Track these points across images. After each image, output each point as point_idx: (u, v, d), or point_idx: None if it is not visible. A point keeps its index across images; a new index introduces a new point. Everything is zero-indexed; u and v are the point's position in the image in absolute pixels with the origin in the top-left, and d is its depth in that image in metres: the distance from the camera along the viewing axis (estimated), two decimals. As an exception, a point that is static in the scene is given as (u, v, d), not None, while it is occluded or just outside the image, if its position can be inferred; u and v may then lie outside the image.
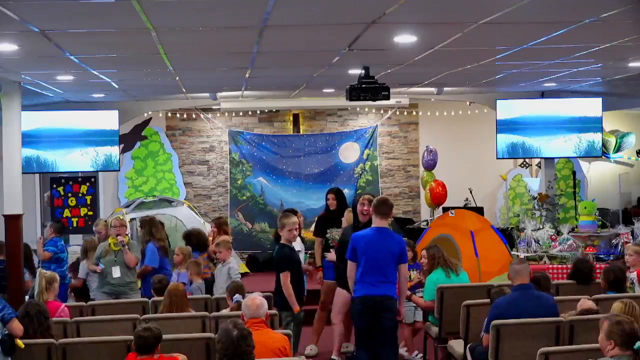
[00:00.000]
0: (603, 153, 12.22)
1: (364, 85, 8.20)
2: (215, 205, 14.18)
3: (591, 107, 11.50)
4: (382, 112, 14.30)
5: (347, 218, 8.36)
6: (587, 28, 6.18)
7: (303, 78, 9.81)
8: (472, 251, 9.21)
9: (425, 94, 12.53)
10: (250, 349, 4.57)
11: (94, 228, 9.76)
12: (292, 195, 13.95)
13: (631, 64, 8.73)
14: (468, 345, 6.71)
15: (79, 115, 11.18)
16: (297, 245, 8.58)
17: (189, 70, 8.62)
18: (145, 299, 7.84)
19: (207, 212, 13.78)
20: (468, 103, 13.96)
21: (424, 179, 13.23)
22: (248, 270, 12.66)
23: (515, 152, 11.82)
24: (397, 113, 14.34)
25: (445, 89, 11.82)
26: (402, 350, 8.33)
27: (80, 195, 11.70)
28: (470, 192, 13.01)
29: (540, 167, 13.44)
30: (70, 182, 11.70)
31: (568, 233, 9.88)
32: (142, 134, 13.91)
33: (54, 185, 11.64)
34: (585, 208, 10.84)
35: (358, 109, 14.15)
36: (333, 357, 8.13)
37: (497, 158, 11.87)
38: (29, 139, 10.43)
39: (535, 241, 9.78)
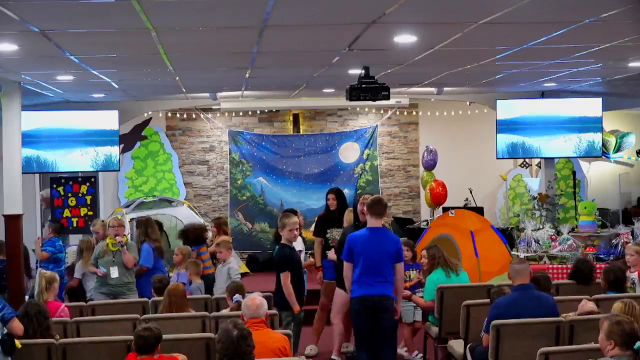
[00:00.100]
0: (603, 153, 12.22)
1: (364, 85, 8.20)
2: (215, 205, 14.18)
3: (591, 107, 11.50)
4: (382, 112, 14.30)
5: (347, 218, 8.36)
6: (587, 28, 6.18)
7: (303, 78, 9.81)
8: (472, 251, 9.21)
9: (425, 94, 12.53)
10: (250, 349, 4.57)
11: (91, 228, 9.75)
12: (292, 195, 13.95)
13: (631, 64, 8.73)
14: (468, 345, 6.71)
15: (79, 115, 11.18)
16: (298, 245, 8.59)
17: (189, 70, 8.62)
18: (145, 299, 7.84)
19: (207, 212, 13.78)
20: (468, 103, 13.97)
21: (424, 179, 13.23)
22: (248, 270, 12.66)
23: (515, 152, 11.82)
24: (397, 113, 14.34)
25: (445, 89, 11.82)
26: (402, 351, 8.34)
27: (80, 195, 11.69)
28: (470, 192, 13.01)
29: (540, 167, 13.44)
30: (70, 182, 11.69)
31: (568, 233, 9.88)
32: (142, 134, 13.91)
33: (54, 185, 11.63)
34: (585, 208, 10.83)
35: (358, 109, 14.15)
36: (333, 357, 8.12)
37: (497, 158, 11.87)
38: (29, 139, 10.43)
39: (535, 241, 9.78)
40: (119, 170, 12.39)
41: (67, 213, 11.58)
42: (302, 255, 8.96)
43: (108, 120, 11.17)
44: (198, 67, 8.40)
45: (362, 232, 6.87)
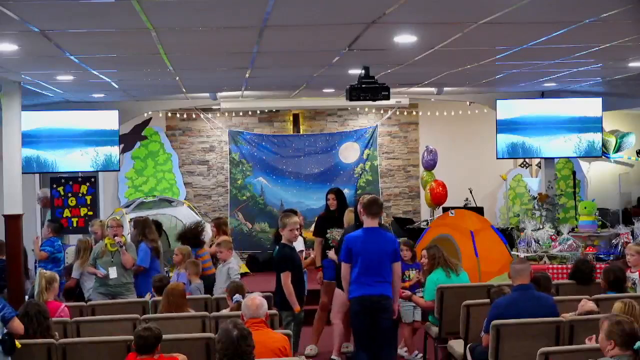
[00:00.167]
0: (603, 153, 12.23)
1: (364, 85, 8.21)
2: (215, 205, 14.18)
3: (591, 107, 11.50)
4: (382, 112, 14.30)
5: (347, 218, 8.36)
6: (587, 28, 6.18)
7: (303, 78, 9.81)
8: (472, 251, 9.21)
9: (425, 94, 12.54)
10: (250, 349, 4.57)
11: (89, 228, 9.74)
12: (292, 195, 13.95)
13: (631, 64, 8.73)
14: (468, 345, 6.71)
15: (79, 115, 11.19)
16: (299, 244, 8.59)
17: (189, 70, 8.62)
18: (145, 299, 7.84)
19: (207, 212, 13.78)
20: (468, 103, 13.97)
21: (424, 179, 13.23)
22: (248, 270, 12.66)
23: (515, 152, 11.83)
24: (397, 113, 14.34)
25: (445, 89, 11.83)
26: (402, 351, 8.34)
27: (80, 195, 11.69)
28: (470, 192, 13.01)
29: (540, 167, 13.44)
30: (70, 182, 11.69)
31: (568, 233, 9.87)
32: (142, 134, 13.91)
33: (54, 185, 11.63)
34: (585, 208, 10.84)
35: (358, 109, 14.15)
36: (333, 357, 8.12)
37: (497, 158, 11.87)
38: (29, 139, 10.44)
39: (535, 241, 9.78)
40: (119, 170, 12.40)
41: (67, 213, 11.58)
42: (304, 254, 8.98)
43: (108, 120, 11.18)
44: (198, 67, 8.40)
45: (359, 232, 6.86)
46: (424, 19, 5.89)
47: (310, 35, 6.40)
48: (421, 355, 8.22)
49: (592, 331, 4.98)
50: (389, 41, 6.69)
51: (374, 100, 8.30)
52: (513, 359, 5.94)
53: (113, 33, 6.04)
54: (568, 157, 12.78)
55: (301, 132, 14.15)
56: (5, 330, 5.67)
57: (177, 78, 9.20)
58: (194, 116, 14.01)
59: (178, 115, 13.99)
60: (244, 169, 13.98)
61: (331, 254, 8.26)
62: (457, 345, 7.07)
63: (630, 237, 9.66)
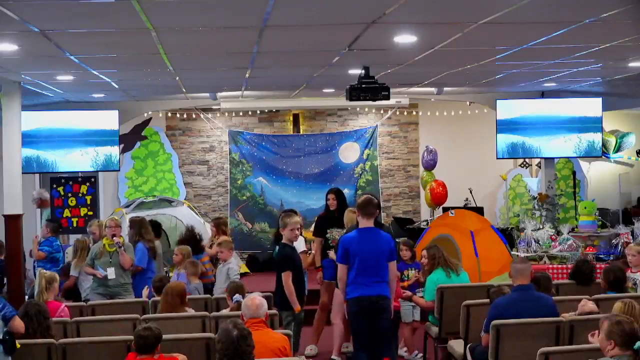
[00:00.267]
0: (603, 153, 12.23)
1: (364, 85, 8.21)
2: (215, 205, 14.18)
3: (591, 107, 11.50)
4: (382, 112, 14.30)
5: (347, 218, 8.36)
6: (587, 28, 6.18)
7: (303, 78, 9.81)
8: (472, 251, 9.21)
9: (425, 94, 12.54)
10: (250, 349, 4.57)
11: (88, 229, 9.72)
12: (292, 195, 13.95)
13: (631, 64, 8.73)
14: (468, 345, 6.70)
15: (79, 115, 11.19)
16: (301, 245, 8.58)
17: (189, 70, 8.62)
18: (144, 294, 7.85)
19: (207, 212, 13.78)
20: (468, 103, 13.97)
21: (424, 179, 13.23)
22: (248, 270, 12.66)
23: (515, 152, 11.83)
24: (397, 113, 14.34)
25: (445, 89, 11.83)
26: (402, 351, 8.33)
27: (80, 195, 11.70)
28: (470, 192, 13.01)
29: (540, 167, 13.44)
30: (70, 182, 11.70)
31: (568, 233, 9.88)
32: (142, 134, 13.91)
33: (54, 185, 11.64)
34: (585, 208, 10.84)
35: (358, 109, 14.15)
36: (333, 357, 8.12)
37: (497, 158, 11.87)
38: (29, 139, 10.44)
39: (535, 241, 9.78)
40: (119, 170, 12.40)
41: (67, 213, 11.59)
42: (308, 254, 8.97)
43: (108, 120, 11.18)
44: (198, 67, 8.41)
45: (355, 233, 6.85)
46: (424, 19, 5.89)
47: (310, 35, 6.41)
48: (421, 355, 8.22)
49: (592, 331, 4.98)
50: (389, 41, 6.69)
51: (374, 100, 8.30)
52: (513, 359, 5.94)
53: (113, 33, 6.04)
54: (568, 157, 12.79)
55: (301, 132, 14.15)
56: (5, 329, 5.67)
57: (177, 78, 9.20)
58: (194, 116, 14.01)
59: (178, 115, 13.99)
60: (244, 169, 13.98)
61: (331, 254, 8.26)
62: (457, 345, 7.07)
63: (630, 237, 9.66)
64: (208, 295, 7.88)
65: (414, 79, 10.33)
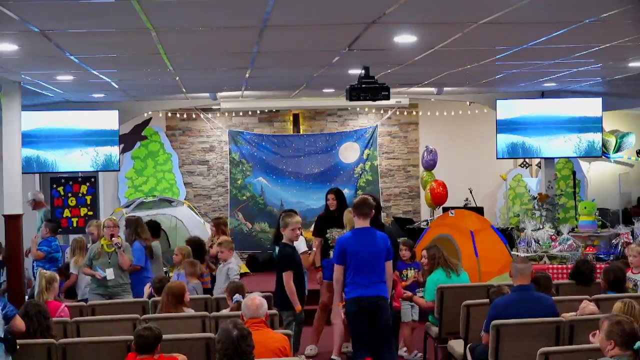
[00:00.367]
0: (603, 153, 12.23)
1: (364, 85, 8.20)
2: (215, 205, 14.18)
3: (591, 107, 11.50)
4: (382, 112, 14.30)
5: (347, 218, 8.35)
6: (587, 28, 6.18)
7: (303, 78, 9.81)
8: (472, 251, 9.21)
9: (425, 94, 12.54)
10: (250, 349, 4.57)
11: (86, 229, 9.71)
12: (292, 195, 13.95)
13: (631, 64, 8.73)
14: (468, 345, 6.70)
15: (79, 115, 11.19)
16: (301, 244, 8.58)
17: (189, 70, 8.62)
18: (145, 299, 7.84)
19: (207, 212, 13.78)
20: (468, 103, 13.97)
21: (424, 179, 13.24)
22: (248, 270, 12.66)
23: (515, 152, 11.83)
24: (397, 113, 14.34)
25: (445, 89, 11.83)
26: (402, 351, 8.33)
27: (80, 195, 11.70)
28: (470, 192, 13.01)
29: (540, 167, 13.44)
30: (70, 182, 11.69)
31: (568, 233, 9.87)
32: (142, 134, 13.92)
33: (54, 185, 11.64)
34: (585, 208, 10.83)
35: (358, 109, 14.15)
36: (333, 357, 8.12)
37: (497, 158, 11.88)
38: (29, 139, 10.44)
39: (535, 241, 9.78)
40: (119, 170, 12.40)
41: (67, 213, 11.58)
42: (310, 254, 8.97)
43: (108, 120, 11.18)
44: (198, 67, 8.41)
45: (351, 233, 6.84)
46: (424, 19, 5.89)
47: (310, 35, 6.41)
48: (420, 354, 8.22)
49: (592, 331, 4.98)
50: (389, 41, 6.69)
51: (374, 100, 8.30)
52: (513, 359, 5.94)
53: (113, 33, 6.04)
54: (568, 157, 12.79)
55: (301, 132, 14.15)
56: (6, 327, 5.66)
57: (177, 78, 9.21)
58: (194, 116, 14.01)
59: (178, 115, 13.99)
60: (244, 169, 13.98)
61: (332, 254, 8.26)
62: (457, 345, 7.07)
63: (630, 237, 9.65)
64: (208, 295, 7.87)
65: (414, 79, 10.33)
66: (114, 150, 11.25)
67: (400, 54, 7.54)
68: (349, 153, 14.10)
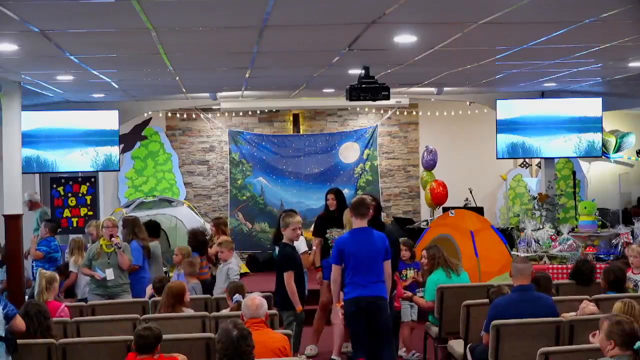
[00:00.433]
0: (603, 153, 12.23)
1: (364, 85, 8.20)
2: (215, 205, 14.18)
3: (591, 107, 11.50)
4: (382, 112, 14.30)
5: (346, 218, 8.35)
6: (587, 28, 6.18)
7: (303, 78, 9.81)
8: (472, 251, 9.21)
9: (425, 94, 12.54)
10: (250, 349, 4.57)
11: (86, 229, 9.72)
12: (292, 195, 13.95)
13: (631, 64, 8.73)
14: (468, 345, 6.70)
15: (79, 115, 11.19)
16: (302, 244, 8.58)
17: (189, 70, 8.62)
18: (145, 299, 7.84)
19: (207, 212, 13.78)
20: (468, 103, 13.97)
21: (424, 179, 13.23)
22: (248, 270, 12.66)
23: (515, 152, 11.83)
24: (397, 113, 14.34)
25: (445, 89, 11.83)
26: (401, 351, 8.33)
27: (80, 195, 11.70)
28: (470, 192, 13.01)
29: (540, 167, 13.44)
30: (70, 182, 11.70)
31: (568, 233, 9.87)
32: (142, 134, 13.92)
33: (54, 185, 11.64)
34: (585, 208, 10.83)
35: (358, 109, 14.15)
36: (333, 357, 8.12)
37: (497, 158, 11.87)
38: (29, 139, 10.44)
39: (535, 241, 9.78)
40: (119, 170, 12.40)
41: (67, 213, 11.59)
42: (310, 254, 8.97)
43: (108, 120, 11.18)
44: (198, 67, 8.41)
45: (348, 233, 6.83)
46: (424, 19, 5.89)
47: (310, 35, 6.41)
48: (418, 355, 8.22)
49: (592, 331, 4.98)
50: (389, 41, 6.69)
51: (374, 100, 8.30)
52: (513, 359, 5.94)
53: (113, 33, 6.04)
54: (568, 157, 12.79)
55: (301, 132, 14.15)
56: (6, 326, 5.66)
57: (177, 78, 9.21)
58: (194, 116, 14.01)
59: (178, 115, 13.99)
60: (244, 169, 13.98)
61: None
62: (457, 345, 7.07)
63: (630, 237, 9.65)
64: (208, 295, 7.87)
65: (414, 79, 10.33)
66: (114, 150, 11.25)
67: (400, 54, 7.54)
68: (349, 153, 14.10)
